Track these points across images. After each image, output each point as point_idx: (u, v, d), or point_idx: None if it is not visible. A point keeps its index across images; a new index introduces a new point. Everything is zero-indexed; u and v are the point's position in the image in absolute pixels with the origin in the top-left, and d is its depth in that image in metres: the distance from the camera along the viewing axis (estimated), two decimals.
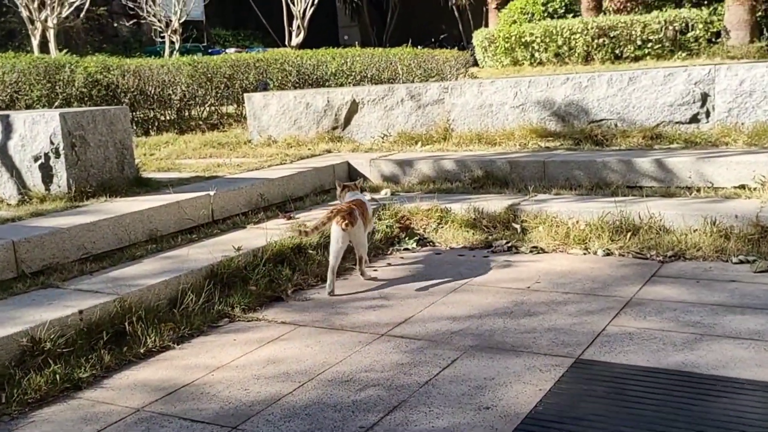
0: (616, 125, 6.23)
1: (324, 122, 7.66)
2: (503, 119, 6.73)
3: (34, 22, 12.51)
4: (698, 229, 4.45)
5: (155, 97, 9.56)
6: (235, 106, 9.85)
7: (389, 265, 4.76)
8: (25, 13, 12.51)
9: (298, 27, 13.28)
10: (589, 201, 5.12)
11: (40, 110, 5.83)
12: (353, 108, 7.50)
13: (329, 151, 7.26)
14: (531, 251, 4.76)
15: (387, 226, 5.23)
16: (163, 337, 3.53)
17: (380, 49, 9.59)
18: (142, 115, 9.78)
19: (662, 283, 3.97)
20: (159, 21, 14.12)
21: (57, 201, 5.08)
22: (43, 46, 12.70)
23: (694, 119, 5.96)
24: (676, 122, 6.01)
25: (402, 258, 4.89)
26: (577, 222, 4.79)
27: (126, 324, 3.51)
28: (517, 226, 4.99)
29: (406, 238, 5.18)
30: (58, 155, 5.11)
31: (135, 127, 9.42)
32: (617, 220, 4.69)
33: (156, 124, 9.54)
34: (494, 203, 5.26)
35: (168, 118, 9.71)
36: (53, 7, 12.40)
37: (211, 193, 5.24)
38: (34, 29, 12.53)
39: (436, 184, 6.03)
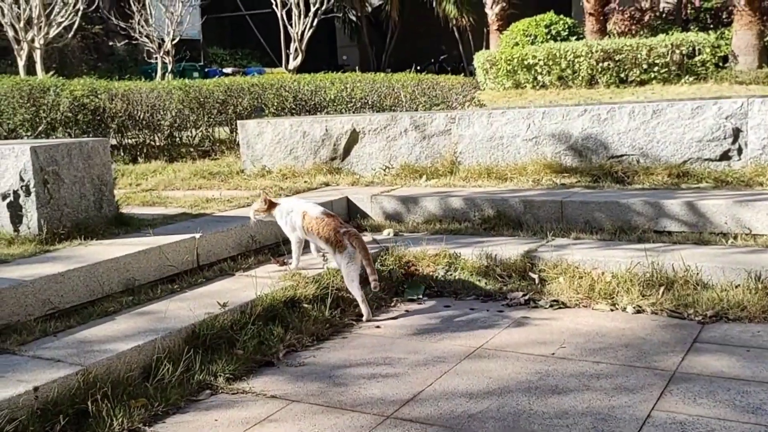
0: (638, 161, 5.76)
1: (322, 152, 7.19)
2: (515, 152, 6.26)
3: (20, 42, 12.07)
4: (740, 284, 3.97)
5: (144, 122, 9.09)
6: (228, 132, 9.39)
7: (393, 319, 4.27)
8: (10, 33, 12.07)
9: (296, 50, 12.83)
10: (614, 248, 4.64)
11: (10, 142, 5.36)
12: (353, 138, 7.04)
13: (327, 184, 6.79)
14: (551, 305, 4.27)
15: (390, 273, 4.75)
16: (132, 418, 3.02)
17: (382, 75, 9.15)
18: (131, 141, 9.31)
19: (707, 351, 3.48)
20: (152, 42, 13.68)
21: (26, 244, 4.59)
22: (32, 68, 12.27)
23: (725, 156, 5.49)
24: (705, 159, 5.54)
25: (407, 311, 4.40)
26: (603, 273, 4.31)
27: (89, 403, 3.01)
28: (535, 276, 4.50)
29: (412, 288, 4.70)
30: (28, 193, 4.62)
31: (123, 154, 8.96)
32: (647, 272, 4.21)
33: (145, 150, 9.07)
34: (508, 248, 4.78)
35: (157, 143, 9.24)
36: (40, 27, 11.95)
37: (197, 236, 4.76)
38: (20, 49, 12.09)
39: (443, 223, 5.55)
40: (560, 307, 4.25)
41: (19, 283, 3.76)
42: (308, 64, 13.95)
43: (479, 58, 19.25)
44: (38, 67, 12.11)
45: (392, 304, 4.53)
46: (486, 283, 4.58)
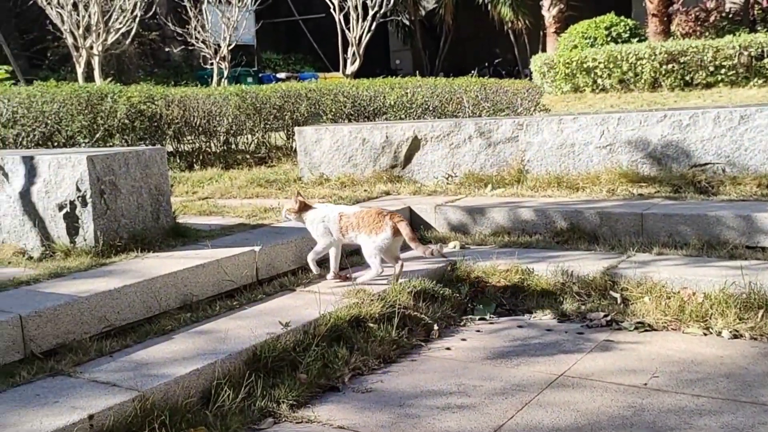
0: (723, 170, 5.37)
1: (382, 160, 6.95)
2: (587, 161, 5.92)
3: (78, 49, 12.14)
4: None
5: (201, 128, 8.99)
6: (284, 138, 9.22)
7: (464, 340, 4.00)
8: (70, 40, 12.14)
9: (354, 54, 12.61)
10: (704, 265, 4.28)
11: (66, 151, 5.25)
12: (415, 145, 6.79)
13: (388, 193, 6.54)
14: (636, 328, 3.94)
15: (459, 289, 4.48)
16: None
17: (443, 79, 8.86)
18: (186, 148, 9.22)
19: None
20: (208, 47, 13.64)
21: (82, 256, 4.45)
22: (90, 74, 12.33)
23: None
24: None
25: (479, 331, 4.12)
26: (693, 294, 3.96)
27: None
28: (617, 295, 4.17)
29: (482, 305, 4.41)
30: (84, 204, 4.48)
31: (179, 161, 8.87)
32: (744, 292, 3.84)
33: (201, 157, 8.96)
34: (585, 264, 4.46)
35: (213, 150, 9.13)
36: (98, 33, 11.99)
37: (256, 249, 4.55)
38: (78, 56, 12.15)
39: (512, 236, 5.25)
40: (646, 330, 3.92)
41: (74, 299, 3.60)
42: (362, 69, 13.75)
43: (536, 62, 18.83)
44: (96, 73, 12.17)
45: (461, 323, 4.26)
46: (563, 302, 4.27)
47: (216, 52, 13.50)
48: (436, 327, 4.09)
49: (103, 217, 4.53)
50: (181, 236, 4.95)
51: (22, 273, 4.19)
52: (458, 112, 8.06)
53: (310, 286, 4.47)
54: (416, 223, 5.81)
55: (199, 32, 13.79)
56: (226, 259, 4.37)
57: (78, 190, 4.49)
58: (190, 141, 9.17)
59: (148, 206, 4.80)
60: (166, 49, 23.82)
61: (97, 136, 8.45)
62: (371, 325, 3.89)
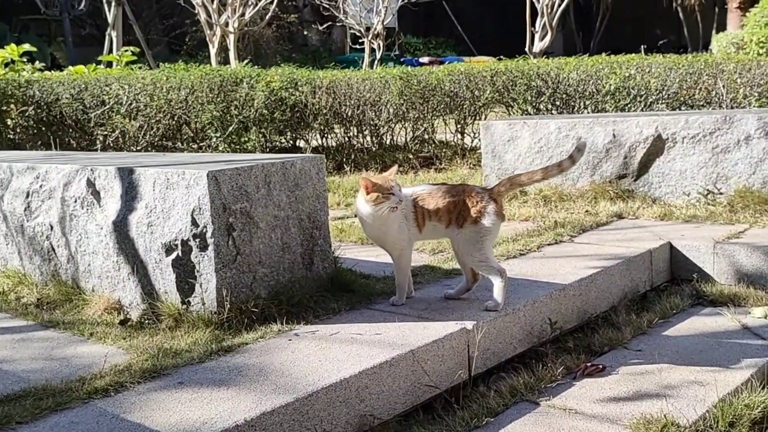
0: None
1: (604, 167, 5.03)
2: None
3: (212, 27, 10.82)
4: None
5: (354, 120, 7.34)
6: (459, 133, 7.41)
7: None
8: (203, 16, 10.81)
9: (544, 26, 10.48)
10: None
11: (180, 158, 3.69)
12: (656, 147, 4.83)
13: (620, 216, 4.64)
14: None
15: None
16: None
17: (689, 56, 6.76)
18: (334, 144, 7.62)
19: None
20: (357, 24, 12.03)
21: (198, 328, 2.85)
22: (224, 58, 11.03)
23: None
24: None
25: None
26: None
27: None
28: None
29: None
30: (204, 246, 2.87)
31: (326, 160, 7.27)
32: None
33: (352, 156, 7.32)
34: None
35: (367, 147, 7.47)
36: (234, 8, 10.59)
37: (468, 326, 2.79)
38: (212, 35, 10.82)
39: None
40: None
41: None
42: (507, 50, 11.50)
43: (720, 41, 16.07)
44: (231, 54, 10.80)
45: None
46: None
47: (368, 29, 11.82)
48: None
49: (231, 266, 2.90)
50: (345, 291, 3.26)
51: (106, 356, 2.64)
52: (707, 102, 5.95)
53: (559, 396, 2.67)
54: (679, 266, 3.89)
55: (344, 12, 12.23)
56: (424, 349, 2.63)
57: (194, 224, 2.88)
58: (338, 135, 7.56)
59: (297, 247, 3.14)
60: (305, 33, 22.66)
61: (230, 129, 6.99)
62: None
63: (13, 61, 8.65)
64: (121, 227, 3.15)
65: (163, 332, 2.90)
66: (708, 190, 4.63)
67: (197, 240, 2.88)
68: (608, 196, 4.92)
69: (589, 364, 2.86)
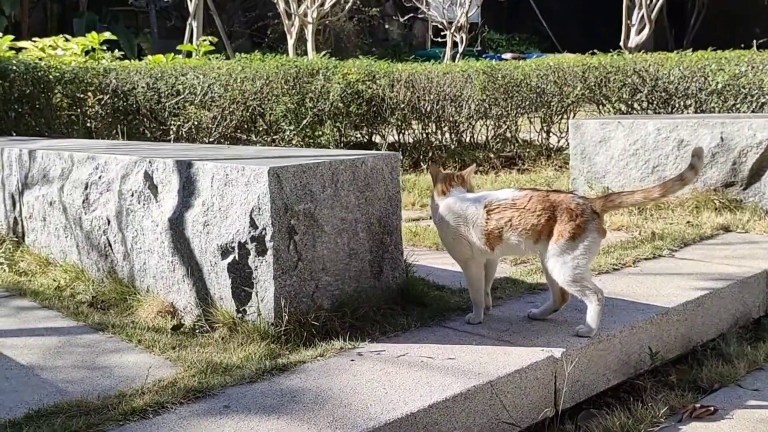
0: None
1: (709, 173, 4.55)
2: None
3: (291, 17, 10.63)
4: None
5: (433, 115, 6.99)
6: (544, 132, 6.98)
7: None
8: (281, 5, 10.63)
9: (642, 18, 9.83)
10: None
11: (248, 153, 3.44)
12: None
13: (727, 229, 4.16)
14: None
15: None
16: None
17: None
18: (411, 140, 7.30)
19: None
20: (440, 16, 11.64)
21: (253, 341, 2.58)
22: (302, 49, 10.83)
23: None
24: None
25: None
26: None
27: None
28: None
29: None
30: (262, 250, 2.59)
31: (402, 158, 6.98)
32: None
33: (429, 153, 6.99)
34: None
35: (445, 143, 7.12)
36: None
37: (557, 354, 2.43)
38: (290, 25, 10.64)
39: None
40: None
41: None
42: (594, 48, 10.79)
43: None
44: (309, 45, 10.60)
45: None
46: None
47: (451, 23, 11.42)
48: None
49: (291, 273, 2.61)
50: (416, 304, 2.94)
51: (150, 369, 2.39)
52: None
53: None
54: None
55: (427, 4, 11.87)
56: (504, 380, 2.28)
57: (253, 225, 2.61)
58: (416, 132, 7.23)
59: (365, 253, 2.84)
60: (386, 26, 22.41)
61: (304, 122, 6.76)
62: None
63: (93, 49, 8.65)
64: (177, 225, 2.91)
65: (215, 343, 2.65)
66: None
67: (255, 243, 2.61)
68: (712, 206, 4.44)
69: (698, 405, 2.46)
